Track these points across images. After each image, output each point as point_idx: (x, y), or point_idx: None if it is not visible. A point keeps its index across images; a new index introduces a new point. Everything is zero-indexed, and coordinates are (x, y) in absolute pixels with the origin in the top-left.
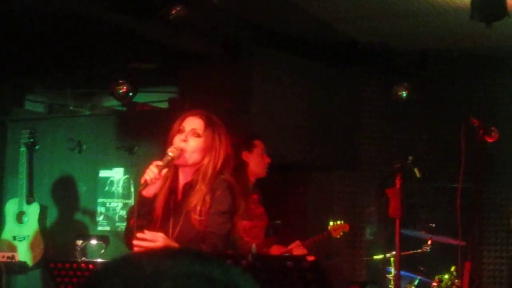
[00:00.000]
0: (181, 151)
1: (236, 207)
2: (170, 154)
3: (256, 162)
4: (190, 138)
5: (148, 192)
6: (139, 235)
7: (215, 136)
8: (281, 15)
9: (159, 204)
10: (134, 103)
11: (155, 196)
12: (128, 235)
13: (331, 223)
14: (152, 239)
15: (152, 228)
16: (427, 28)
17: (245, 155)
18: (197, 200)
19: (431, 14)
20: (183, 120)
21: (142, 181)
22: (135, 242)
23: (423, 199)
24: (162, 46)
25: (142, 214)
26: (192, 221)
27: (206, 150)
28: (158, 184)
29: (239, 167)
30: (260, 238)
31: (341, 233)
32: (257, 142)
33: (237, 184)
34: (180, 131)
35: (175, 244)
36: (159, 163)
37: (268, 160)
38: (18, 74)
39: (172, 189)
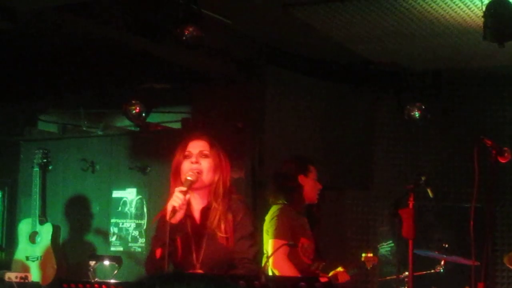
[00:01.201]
0: (198, 173)
1: (256, 224)
2: (189, 178)
3: (310, 187)
4: (201, 160)
5: (175, 219)
6: None
7: (220, 155)
8: (294, 36)
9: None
10: (147, 123)
11: (180, 224)
12: (155, 265)
13: (363, 254)
14: None
15: (174, 253)
16: (440, 49)
17: (301, 179)
18: (218, 218)
19: (444, 35)
20: (186, 146)
21: (170, 208)
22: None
23: (436, 219)
24: (175, 67)
25: (170, 241)
26: (218, 240)
27: (216, 169)
28: (183, 210)
29: (295, 190)
30: (311, 260)
31: (372, 265)
32: (312, 168)
33: (293, 206)
34: (187, 156)
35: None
36: (182, 188)
37: (320, 186)
38: (31, 94)
39: (187, 214)
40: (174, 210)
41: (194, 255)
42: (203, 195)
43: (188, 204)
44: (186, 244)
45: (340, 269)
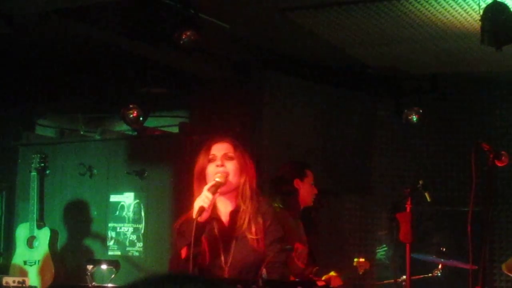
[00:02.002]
0: (226, 175)
1: (283, 229)
2: (218, 179)
3: (306, 191)
4: (226, 163)
5: (202, 218)
6: None
7: (245, 156)
8: (292, 40)
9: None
10: (145, 127)
11: (207, 222)
12: (180, 265)
13: (355, 259)
14: None
15: (202, 256)
16: (437, 53)
17: (296, 183)
18: (248, 221)
19: (442, 39)
20: (209, 149)
21: (197, 207)
22: None
23: (433, 224)
24: (173, 71)
25: (196, 241)
26: (249, 242)
27: (242, 171)
28: (210, 209)
29: (291, 194)
30: (304, 264)
31: (363, 270)
32: (308, 172)
33: (289, 210)
34: (211, 159)
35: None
36: (210, 185)
37: (315, 191)
38: (29, 99)
39: (213, 217)
40: (202, 210)
41: (223, 258)
42: (231, 198)
43: (214, 207)
44: (214, 248)
45: (333, 273)
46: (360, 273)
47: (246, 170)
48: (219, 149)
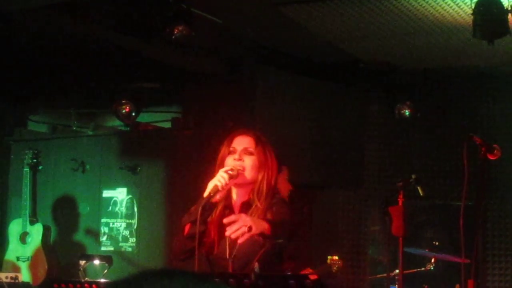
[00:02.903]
0: (240, 170)
1: (292, 222)
2: (230, 172)
3: (281, 187)
4: (245, 157)
5: (215, 198)
6: (225, 220)
7: (266, 152)
8: (284, 35)
9: (213, 223)
10: (137, 123)
11: (217, 203)
12: (181, 243)
13: (329, 257)
14: (236, 219)
15: (208, 244)
16: (429, 47)
17: None
18: (257, 216)
19: (434, 33)
20: (231, 141)
21: (212, 187)
22: (228, 233)
23: (426, 218)
24: (165, 66)
25: (203, 220)
26: (256, 238)
27: (260, 167)
28: (223, 192)
29: None
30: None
31: (335, 267)
32: (283, 167)
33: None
34: (231, 152)
35: (263, 223)
36: (227, 169)
37: (290, 187)
38: (21, 94)
39: (226, 206)
40: (216, 189)
41: (228, 250)
42: (246, 191)
43: (229, 196)
44: (222, 238)
45: (307, 270)
46: (333, 271)
47: (265, 167)
48: (241, 142)
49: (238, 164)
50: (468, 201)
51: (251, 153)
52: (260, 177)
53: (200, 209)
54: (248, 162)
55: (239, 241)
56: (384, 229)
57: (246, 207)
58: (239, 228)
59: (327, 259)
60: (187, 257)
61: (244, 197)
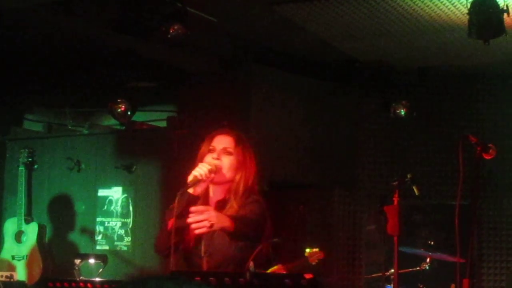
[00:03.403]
0: (218, 168)
1: (264, 225)
2: (209, 167)
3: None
4: (223, 157)
5: (196, 191)
6: (192, 208)
7: (245, 153)
8: (280, 34)
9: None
10: (133, 122)
11: (200, 197)
12: (165, 237)
13: (307, 250)
14: (203, 210)
15: (187, 241)
16: (425, 46)
17: None
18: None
19: (429, 32)
20: (212, 140)
21: (191, 178)
22: (190, 220)
23: (422, 217)
24: (160, 65)
25: (185, 214)
26: (226, 237)
27: (238, 167)
28: (203, 185)
29: None
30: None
31: (317, 260)
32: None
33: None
34: (211, 150)
35: (225, 220)
36: (206, 164)
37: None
38: (17, 93)
39: (204, 204)
40: (196, 179)
41: (203, 248)
42: (223, 189)
43: (207, 194)
44: (198, 235)
45: (276, 267)
46: (314, 263)
47: (243, 167)
48: (220, 141)
49: (216, 163)
50: (463, 200)
51: (230, 153)
52: (237, 177)
53: (178, 195)
54: (226, 161)
55: (197, 231)
56: (380, 228)
57: (221, 205)
58: (202, 221)
59: (304, 252)
60: (170, 253)
61: (220, 195)
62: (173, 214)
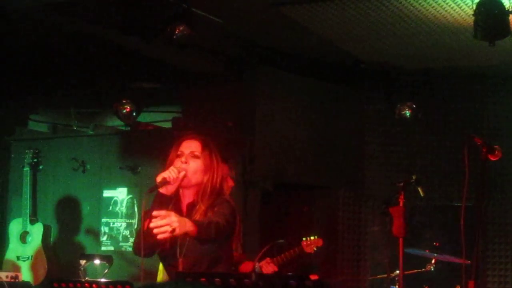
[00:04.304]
0: (185, 171)
1: (234, 225)
2: (165, 175)
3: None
4: (190, 160)
5: (167, 190)
6: (154, 213)
7: (212, 156)
8: (285, 35)
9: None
10: (138, 122)
11: (172, 197)
12: (141, 239)
13: (304, 238)
14: (165, 216)
15: (163, 243)
16: (430, 47)
17: None
18: (199, 217)
19: (435, 33)
20: (180, 145)
21: (160, 179)
22: (152, 225)
23: (427, 218)
24: (166, 66)
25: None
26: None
27: (205, 170)
28: (175, 185)
29: None
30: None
31: (315, 248)
32: (228, 165)
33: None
34: (179, 155)
35: (188, 225)
36: (174, 168)
37: (232, 184)
38: (22, 94)
39: (176, 209)
40: (164, 181)
41: (178, 250)
42: (192, 192)
43: (178, 199)
44: (174, 238)
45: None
46: (312, 252)
47: (210, 170)
48: (187, 146)
49: (183, 167)
50: (469, 202)
51: (197, 157)
52: (205, 179)
53: (144, 195)
54: (194, 165)
55: (159, 237)
56: (385, 229)
57: (190, 207)
58: (164, 225)
59: (301, 240)
60: (148, 253)
61: (190, 198)
62: (148, 216)
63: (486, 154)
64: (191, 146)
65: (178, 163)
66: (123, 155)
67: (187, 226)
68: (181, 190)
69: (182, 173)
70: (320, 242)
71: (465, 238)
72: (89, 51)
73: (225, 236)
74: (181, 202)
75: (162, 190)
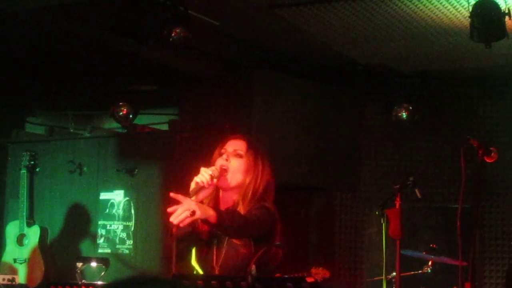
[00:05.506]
0: (223, 170)
1: (268, 230)
2: (210, 172)
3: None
4: (232, 158)
5: (197, 198)
6: (169, 209)
7: (258, 158)
8: (281, 37)
9: (206, 235)
10: (135, 125)
11: (202, 202)
12: (175, 245)
13: (313, 268)
14: (182, 200)
15: (199, 245)
16: (427, 49)
17: None
18: None
19: (431, 35)
20: (225, 144)
21: (193, 185)
22: (169, 209)
23: (424, 220)
24: (162, 68)
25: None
26: (237, 247)
27: (248, 171)
28: (207, 192)
29: None
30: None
31: (322, 278)
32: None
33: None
34: (222, 153)
35: (209, 210)
36: (207, 170)
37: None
38: (19, 96)
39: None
40: (197, 186)
41: (215, 257)
42: (232, 195)
43: (217, 201)
44: (210, 241)
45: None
46: (319, 280)
47: (253, 172)
48: (232, 145)
49: (224, 163)
50: (466, 203)
51: (240, 156)
52: (247, 181)
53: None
54: (235, 164)
55: (181, 225)
56: (381, 231)
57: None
58: (182, 212)
59: (311, 270)
60: (178, 259)
61: (229, 203)
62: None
63: (483, 156)
64: (235, 144)
65: (219, 161)
66: (120, 158)
67: (208, 211)
68: (220, 193)
69: (215, 180)
70: (327, 274)
71: (462, 240)
72: (86, 54)
73: (256, 238)
74: (220, 206)
75: (198, 198)
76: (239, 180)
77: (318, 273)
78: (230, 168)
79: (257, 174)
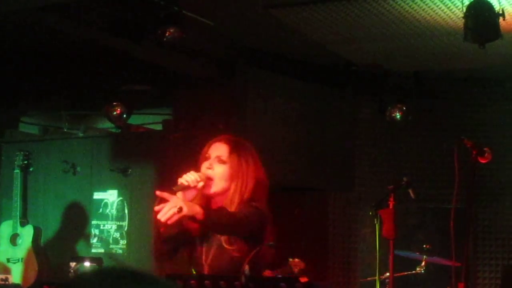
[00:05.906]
0: (208, 179)
1: (257, 228)
2: (197, 176)
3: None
4: (215, 165)
5: (186, 197)
6: (156, 207)
7: (241, 161)
8: (276, 37)
9: (197, 232)
10: (128, 125)
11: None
12: (158, 245)
13: (290, 259)
14: (169, 198)
15: (188, 248)
16: (421, 50)
17: None
18: None
19: (425, 36)
20: (209, 147)
21: (179, 183)
22: (156, 208)
23: (417, 221)
24: (156, 68)
25: (177, 224)
26: (227, 251)
27: (232, 176)
28: (193, 193)
29: None
30: None
31: (297, 269)
32: None
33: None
34: (206, 158)
35: (196, 207)
36: (195, 174)
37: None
38: (12, 96)
39: None
40: (181, 186)
41: (204, 257)
42: (219, 201)
43: (208, 204)
44: (200, 245)
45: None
46: (296, 271)
47: (238, 175)
48: (215, 149)
49: (209, 172)
50: (459, 204)
51: (223, 162)
52: (232, 187)
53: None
54: (219, 170)
55: (169, 222)
56: (375, 231)
57: None
58: (169, 209)
59: (288, 261)
60: (166, 258)
61: (218, 206)
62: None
63: (476, 157)
64: (218, 149)
65: (203, 167)
66: (114, 157)
67: (195, 208)
68: (212, 199)
69: (201, 184)
70: (303, 265)
71: (455, 240)
72: (80, 53)
73: (247, 239)
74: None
75: (186, 198)
76: (224, 186)
77: (296, 265)
78: (215, 176)
79: (242, 178)
